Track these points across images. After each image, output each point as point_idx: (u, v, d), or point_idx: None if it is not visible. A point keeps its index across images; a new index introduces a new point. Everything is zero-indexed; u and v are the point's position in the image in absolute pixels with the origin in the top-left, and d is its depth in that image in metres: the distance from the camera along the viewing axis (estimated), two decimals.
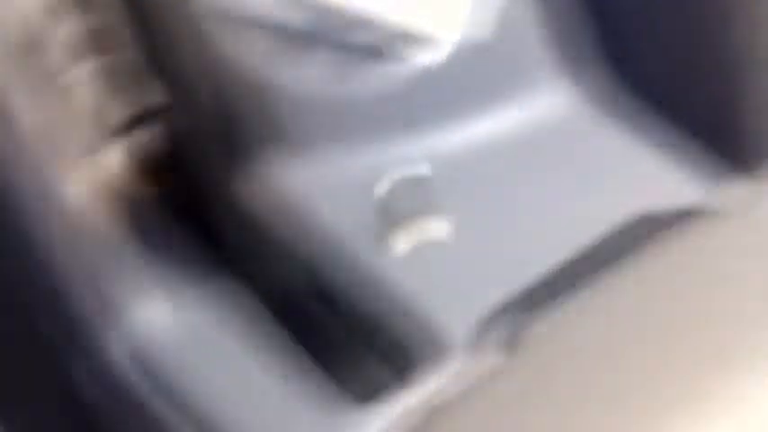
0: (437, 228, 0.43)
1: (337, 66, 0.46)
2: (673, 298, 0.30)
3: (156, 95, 0.44)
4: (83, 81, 0.44)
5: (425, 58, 0.46)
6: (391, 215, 0.43)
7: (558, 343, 0.29)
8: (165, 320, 0.40)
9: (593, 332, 0.29)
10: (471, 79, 0.46)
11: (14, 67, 0.41)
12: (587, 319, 0.30)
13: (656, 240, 0.32)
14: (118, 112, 0.45)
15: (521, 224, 0.43)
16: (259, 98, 0.44)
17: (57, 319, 0.41)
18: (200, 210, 0.43)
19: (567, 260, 0.40)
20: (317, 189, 0.44)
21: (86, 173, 0.40)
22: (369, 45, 0.46)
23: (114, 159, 0.46)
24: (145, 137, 0.46)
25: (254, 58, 0.45)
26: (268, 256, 0.41)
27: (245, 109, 0.44)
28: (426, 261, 0.42)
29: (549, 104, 0.48)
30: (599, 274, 0.30)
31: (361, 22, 0.46)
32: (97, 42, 0.44)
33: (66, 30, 0.43)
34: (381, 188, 0.42)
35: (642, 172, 0.45)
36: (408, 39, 0.46)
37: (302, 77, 0.45)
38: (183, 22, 0.37)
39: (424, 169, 0.42)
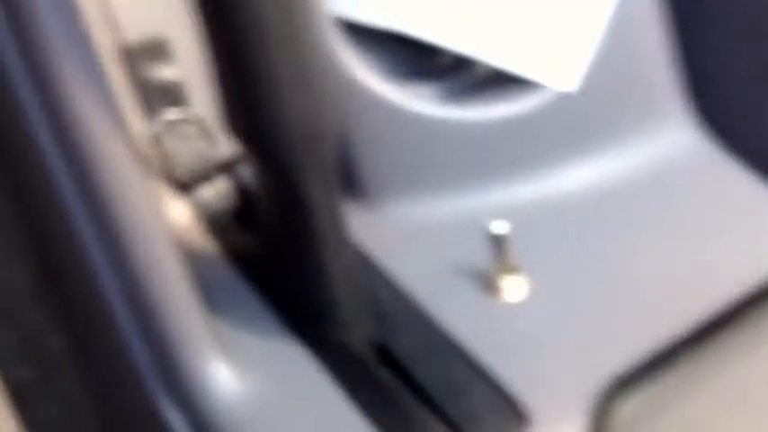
0: (518, 286, 0.41)
1: (457, 93, 0.45)
2: None
3: (225, 149, 0.43)
4: (153, 134, 0.43)
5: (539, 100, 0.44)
6: (472, 273, 0.41)
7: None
8: (228, 384, 0.38)
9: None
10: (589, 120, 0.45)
11: None
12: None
13: None
14: (186, 165, 0.44)
15: (621, 282, 0.41)
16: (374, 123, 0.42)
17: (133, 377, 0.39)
18: (269, 267, 0.41)
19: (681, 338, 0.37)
20: (397, 243, 0.43)
21: (155, 226, 0.39)
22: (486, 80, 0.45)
23: (181, 213, 0.44)
24: (212, 192, 0.45)
25: (370, 75, 0.43)
26: (341, 312, 0.39)
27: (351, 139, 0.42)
28: (507, 323, 0.40)
29: (672, 144, 0.45)
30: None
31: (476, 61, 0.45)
32: (168, 96, 0.43)
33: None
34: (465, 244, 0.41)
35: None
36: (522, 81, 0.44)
37: (417, 99, 0.44)
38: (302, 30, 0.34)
39: (504, 227, 0.40)
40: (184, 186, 0.44)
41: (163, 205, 0.43)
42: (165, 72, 0.43)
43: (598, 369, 0.37)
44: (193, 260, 0.43)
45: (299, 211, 0.35)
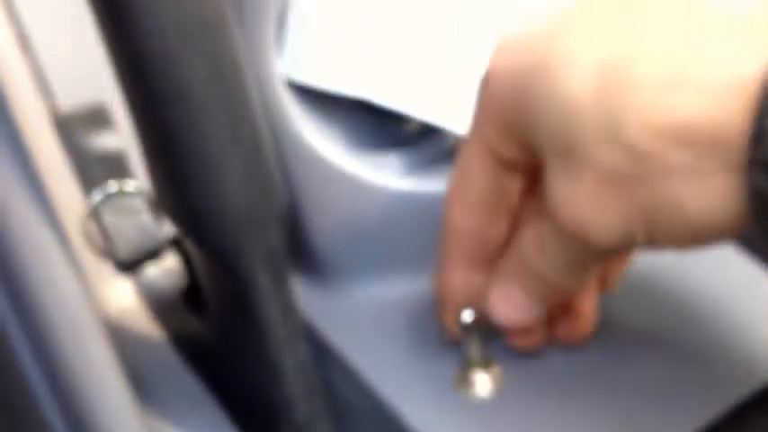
0: (489, 380, 0.37)
1: (423, 164, 0.41)
2: None
3: (168, 225, 0.40)
4: (92, 208, 0.39)
5: None
6: (440, 363, 0.37)
7: None
8: None
9: None
10: None
11: None
12: None
13: None
14: (129, 242, 0.40)
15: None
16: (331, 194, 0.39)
17: None
18: (218, 358, 0.37)
19: None
20: (357, 329, 0.39)
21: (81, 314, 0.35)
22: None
23: (123, 295, 0.41)
24: (158, 271, 0.41)
25: (326, 144, 0.40)
26: (295, 411, 0.35)
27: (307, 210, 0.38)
28: (479, 423, 0.36)
29: None
30: None
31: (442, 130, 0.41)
32: (109, 167, 0.40)
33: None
34: None
35: None
36: None
37: (380, 170, 0.40)
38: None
39: (472, 316, 0.36)
40: (128, 266, 0.40)
41: (98, 288, 0.39)
42: (104, 141, 0.40)
43: None
44: (135, 348, 0.39)
45: (241, 297, 0.31)
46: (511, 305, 0.35)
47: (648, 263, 0.40)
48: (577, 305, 0.37)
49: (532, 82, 0.31)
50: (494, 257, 0.36)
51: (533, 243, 0.34)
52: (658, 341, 0.38)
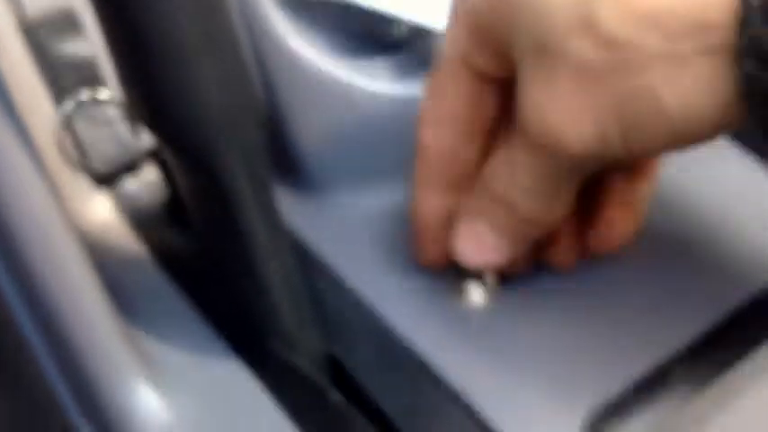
0: (483, 289, 0.36)
1: (412, 69, 0.39)
2: None
3: (146, 136, 0.38)
4: (64, 118, 0.38)
5: None
6: (432, 271, 0.36)
7: None
8: (155, 411, 0.33)
9: None
10: None
11: None
12: None
13: None
14: (104, 154, 0.38)
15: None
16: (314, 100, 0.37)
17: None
18: (202, 270, 0.36)
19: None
20: (344, 238, 0.37)
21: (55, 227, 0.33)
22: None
23: (101, 210, 0.39)
24: (137, 184, 0.40)
25: (309, 48, 0.38)
26: (282, 321, 0.33)
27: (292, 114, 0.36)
28: (475, 332, 0.35)
29: None
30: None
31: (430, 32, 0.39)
32: (80, 74, 0.38)
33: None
34: None
35: None
36: None
37: (368, 77, 0.38)
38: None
39: None
40: (105, 179, 0.39)
41: (74, 203, 0.37)
42: (75, 47, 0.37)
43: (585, 395, 0.32)
44: (116, 264, 0.38)
45: (223, 206, 0.30)
46: (478, 245, 0.33)
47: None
48: (603, 213, 0.35)
49: None
50: (468, 182, 0.34)
51: (502, 165, 0.32)
52: (658, 249, 0.37)
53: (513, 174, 0.32)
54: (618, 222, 0.35)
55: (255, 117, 0.28)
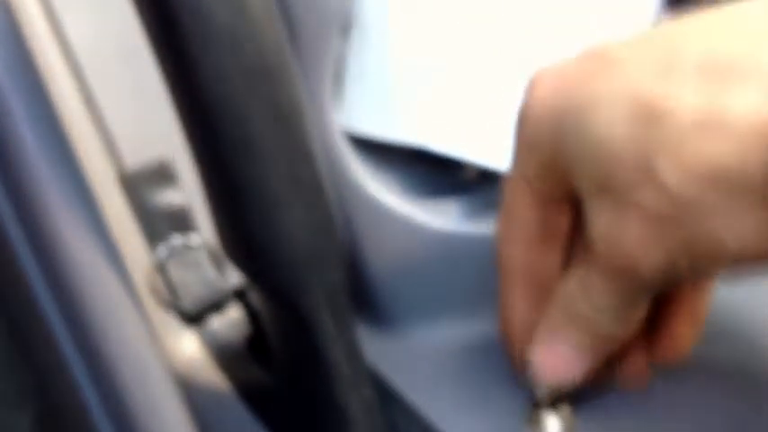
0: (560, 423, 0.36)
1: (482, 208, 0.41)
2: None
3: (236, 275, 0.40)
4: (158, 262, 0.40)
5: None
6: (509, 407, 0.36)
7: None
8: None
9: None
10: None
11: None
12: None
13: None
14: (194, 295, 0.41)
15: None
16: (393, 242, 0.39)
17: None
18: (282, 407, 0.37)
19: None
20: (422, 373, 0.38)
21: (151, 366, 0.35)
22: None
23: (189, 348, 0.41)
24: (223, 322, 0.42)
25: (384, 190, 0.40)
26: None
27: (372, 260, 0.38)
28: None
29: None
30: None
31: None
32: (173, 221, 0.41)
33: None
34: None
35: None
36: None
37: (440, 217, 0.40)
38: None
39: None
40: (193, 318, 0.41)
41: (165, 341, 0.40)
42: (169, 196, 0.40)
43: None
44: (201, 399, 0.39)
45: (306, 343, 0.31)
46: (557, 360, 0.34)
47: None
48: (670, 325, 0.36)
49: (566, 122, 0.32)
50: (550, 288, 0.36)
51: (577, 286, 0.33)
52: (725, 368, 0.37)
53: (590, 295, 0.33)
54: (684, 334, 0.36)
55: (338, 258, 0.30)
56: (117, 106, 0.40)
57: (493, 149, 0.41)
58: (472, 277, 0.40)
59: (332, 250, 0.30)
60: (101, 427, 0.35)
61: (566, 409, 0.36)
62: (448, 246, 0.40)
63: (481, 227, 0.40)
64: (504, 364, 0.37)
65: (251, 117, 0.27)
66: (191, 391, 0.39)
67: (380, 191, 0.40)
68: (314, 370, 0.32)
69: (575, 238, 0.36)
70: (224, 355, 0.41)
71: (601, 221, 0.31)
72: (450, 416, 0.37)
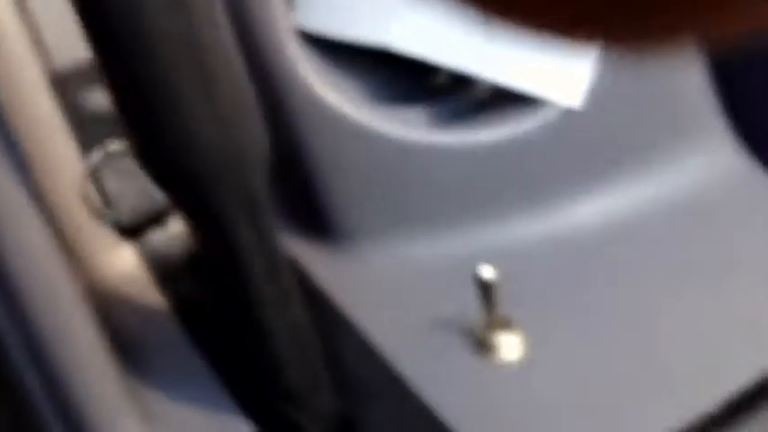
0: (511, 345, 0.33)
1: (447, 117, 0.37)
2: None
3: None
4: (91, 169, 0.37)
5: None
6: (458, 328, 0.33)
7: None
8: None
9: None
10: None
11: None
12: None
13: None
14: (130, 206, 0.37)
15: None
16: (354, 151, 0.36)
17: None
18: (217, 323, 0.34)
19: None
20: (369, 292, 0.35)
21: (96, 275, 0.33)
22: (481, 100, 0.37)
23: (126, 262, 0.38)
24: (163, 237, 0.39)
25: (339, 96, 0.36)
26: (293, 379, 0.31)
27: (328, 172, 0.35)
28: (499, 390, 0.32)
29: (708, 166, 0.37)
30: None
31: (474, 80, 0.37)
32: (108, 126, 0.37)
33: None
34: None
35: None
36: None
37: (403, 126, 0.37)
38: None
39: (493, 272, 0.32)
40: (130, 231, 0.38)
41: (97, 255, 0.37)
42: (103, 99, 0.37)
43: None
44: (133, 315, 0.36)
45: (226, 254, 0.28)
46: None
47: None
48: None
49: None
50: None
51: None
52: (691, 282, 0.34)
53: None
54: None
55: (256, 160, 0.27)
56: (47, 3, 0.36)
57: (467, 51, 0.37)
58: (436, 193, 0.36)
59: (245, 151, 0.26)
60: (14, 350, 0.32)
61: (520, 329, 0.33)
62: (410, 157, 0.37)
63: (449, 137, 0.37)
64: (457, 288, 0.34)
65: (160, 32, 0.24)
66: (121, 307, 0.36)
67: (336, 97, 0.36)
68: (236, 286, 0.29)
69: None
70: (163, 270, 0.38)
71: None
72: (396, 338, 0.33)
